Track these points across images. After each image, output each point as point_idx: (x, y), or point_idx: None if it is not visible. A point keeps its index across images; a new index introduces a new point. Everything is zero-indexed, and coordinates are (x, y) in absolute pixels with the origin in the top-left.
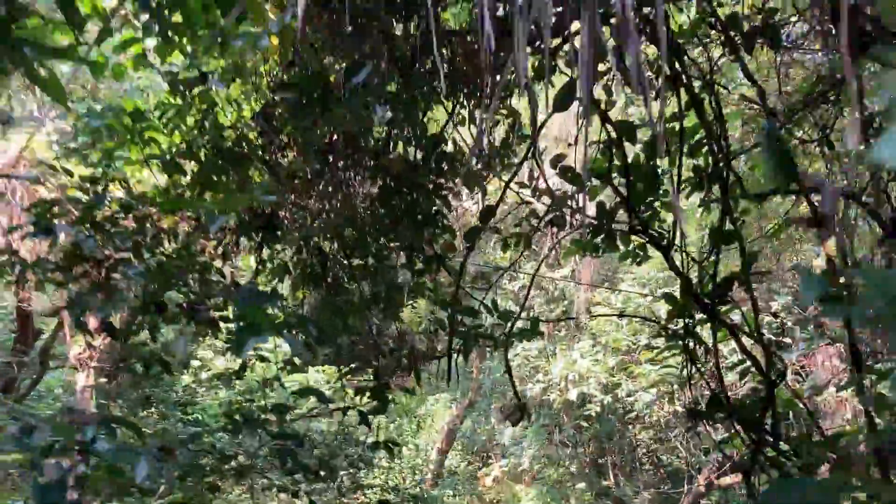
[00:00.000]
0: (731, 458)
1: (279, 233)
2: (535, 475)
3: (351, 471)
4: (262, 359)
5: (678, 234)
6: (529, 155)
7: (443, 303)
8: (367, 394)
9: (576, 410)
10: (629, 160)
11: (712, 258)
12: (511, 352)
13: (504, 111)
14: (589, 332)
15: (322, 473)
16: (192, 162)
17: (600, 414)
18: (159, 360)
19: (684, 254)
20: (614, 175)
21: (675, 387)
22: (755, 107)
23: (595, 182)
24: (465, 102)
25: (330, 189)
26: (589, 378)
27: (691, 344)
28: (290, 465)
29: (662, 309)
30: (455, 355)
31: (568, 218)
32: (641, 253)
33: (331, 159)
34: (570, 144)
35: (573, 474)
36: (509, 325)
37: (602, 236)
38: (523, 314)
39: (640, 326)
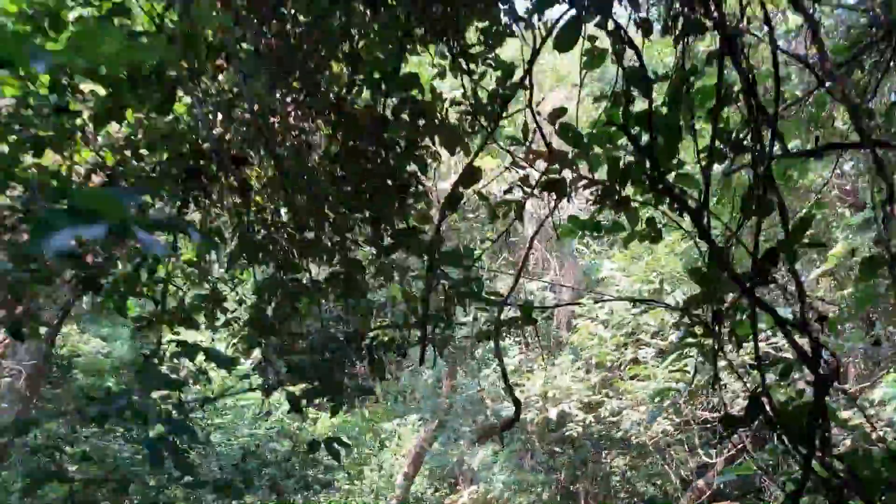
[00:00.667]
0: (709, 485)
1: (210, 186)
2: (506, 503)
3: (305, 494)
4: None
5: (709, 196)
6: (524, 106)
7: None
8: (315, 395)
9: (553, 432)
10: (649, 109)
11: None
12: (485, 369)
13: (492, 62)
14: (570, 347)
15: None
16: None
17: (581, 434)
18: None
19: (705, 225)
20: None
21: (683, 393)
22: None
23: (597, 150)
24: (447, 49)
25: (279, 139)
26: (570, 396)
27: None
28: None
29: (651, 320)
30: (434, 330)
31: (569, 182)
32: (652, 232)
33: (279, 96)
34: (574, 85)
35: (545, 502)
36: (498, 311)
37: (614, 201)
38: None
39: (627, 339)
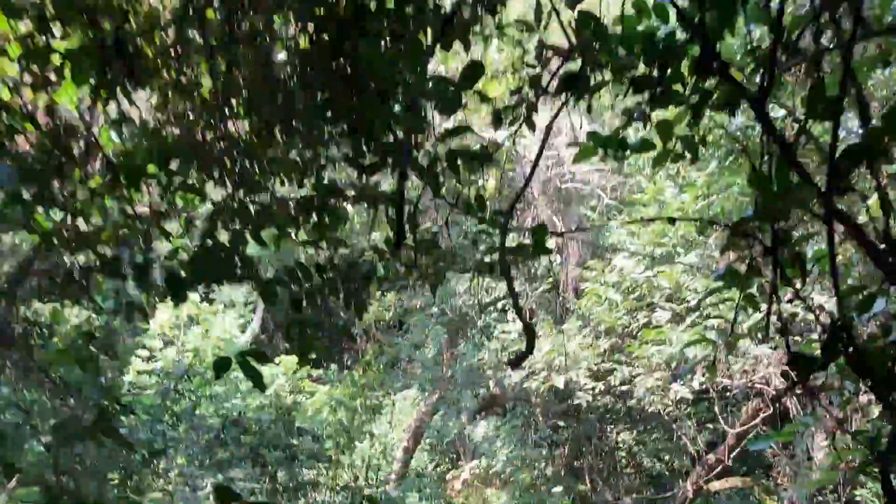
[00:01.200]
0: (721, 459)
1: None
2: (508, 478)
3: (291, 464)
4: None
5: (773, 79)
6: None
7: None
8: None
9: (559, 403)
10: None
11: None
12: (487, 341)
13: None
14: (577, 312)
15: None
16: None
17: (589, 404)
18: None
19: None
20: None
21: (720, 346)
22: None
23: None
24: None
25: (236, 26)
26: (578, 364)
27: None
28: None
29: (666, 282)
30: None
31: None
32: (687, 150)
33: None
34: None
35: (548, 477)
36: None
37: (653, 93)
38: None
39: (639, 304)
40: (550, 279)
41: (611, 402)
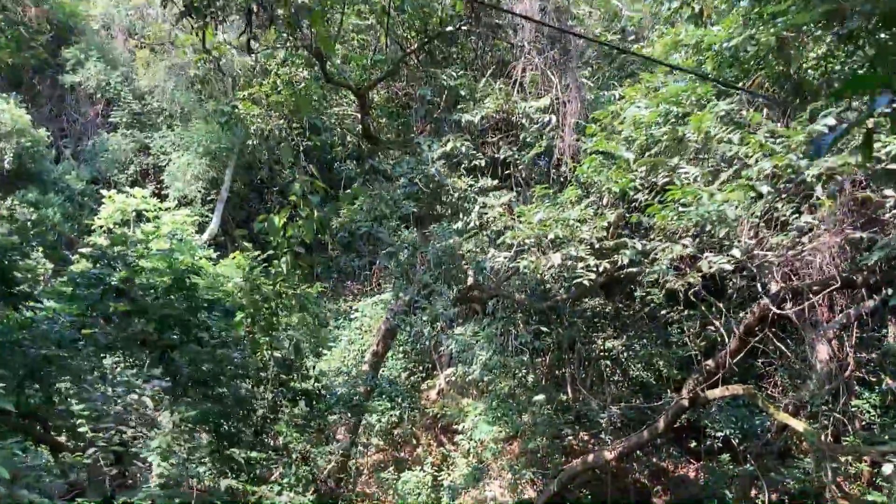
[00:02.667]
0: (721, 365)
1: None
2: (486, 387)
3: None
4: None
5: None
6: None
7: None
8: None
9: (544, 298)
10: None
11: None
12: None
13: None
14: (577, 179)
15: None
16: None
17: (593, 283)
18: None
19: None
20: None
21: (766, 199)
22: None
23: None
24: None
25: None
26: (578, 236)
27: None
28: None
29: (692, 133)
30: None
31: None
32: None
33: None
34: None
35: (528, 386)
36: None
37: None
38: None
39: (660, 159)
40: (542, 142)
41: (599, 304)
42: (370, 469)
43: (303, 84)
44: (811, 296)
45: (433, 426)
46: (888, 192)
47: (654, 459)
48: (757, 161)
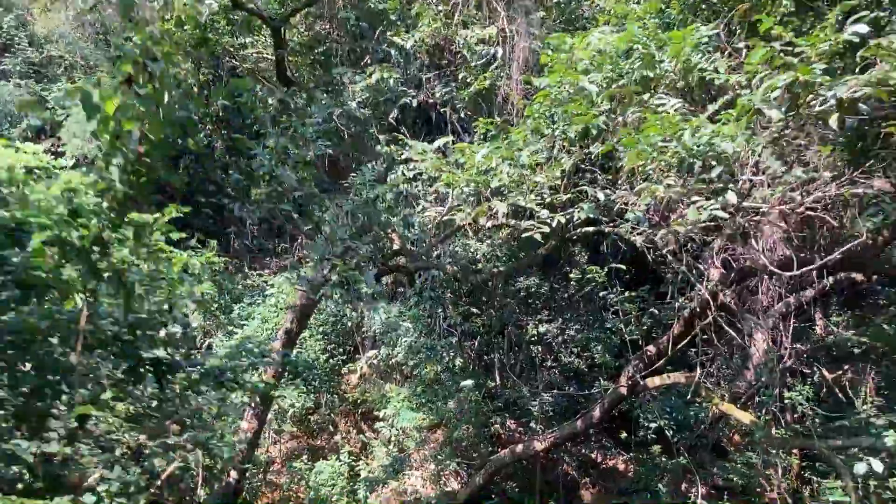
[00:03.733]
0: (662, 352)
1: None
2: (411, 371)
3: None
4: None
5: None
6: None
7: None
8: None
9: (476, 272)
10: None
11: None
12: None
13: None
14: (528, 119)
15: None
16: None
17: (548, 236)
18: None
19: None
20: None
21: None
22: None
23: None
24: None
25: None
26: (528, 185)
27: None
28: None
29: (669, 62)
30: None
31: None
32: None
33: None
34: None
35: (456, 372)
36: None
37: None
38: None
39: (631, 89)
40: (485, 80)
41: (534, 285)
42: (283, 458)
43: (208, 16)
44: (755, 282)
45: (353, 413)
46: None
47: (584, 450)
48: (763, 80)
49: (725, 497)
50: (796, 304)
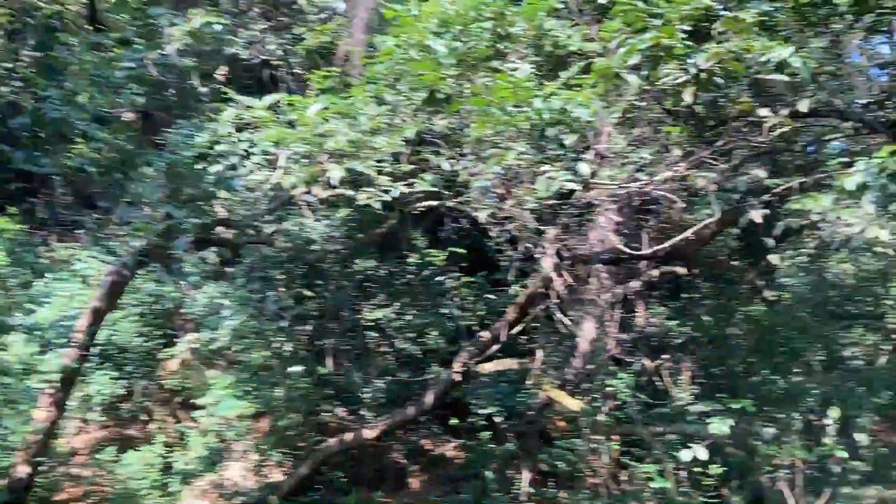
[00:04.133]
0: (497, 338)
1: None
2: (236, 357)
3: None
4: None
5: None
6: None
7: None
8: None
9: (309, 246)
10: None
11: None
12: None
13: None
14: (367, 81)
15: None
16: None
17: (389, 210)
18: None
19: None
20: None
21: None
22: None
23: None
24: None
25: None
26: (365, 150)
27: None
28: None
29: (523, 23)
30: None
31: None
32: None
33: None
34: None
35: (285, 358)
36: None
37: None
38: None
39: (482, 51)
40: (325, 35)
41: (371, 268)
42: (89, 450)
43: None
44: (587, 272)
45: (170, 401)
46: None
47: (414, 438)
48: (621, 45)
49: (550, 483)
50: (623, 295)
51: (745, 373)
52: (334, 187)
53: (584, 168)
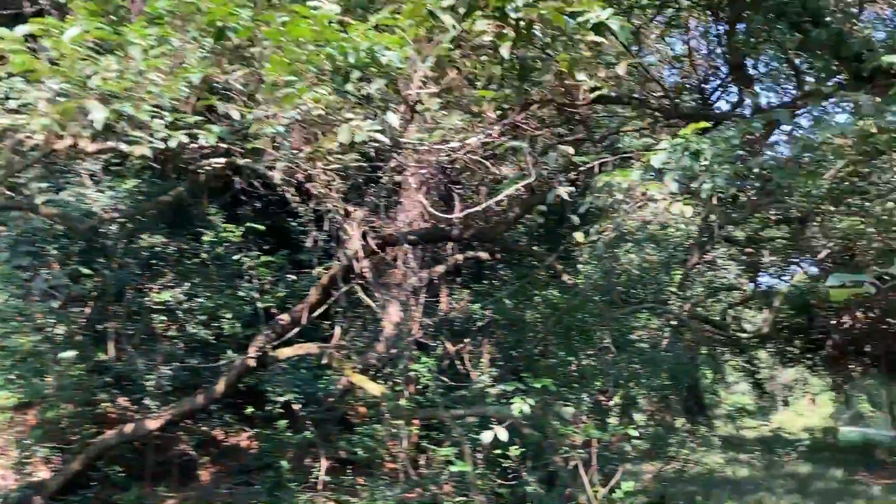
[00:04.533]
0: (297, 321)
1: None
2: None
3: None
4: None
5: None
6: None
7: None
8: None
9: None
10: None
11: None
12: None
13: None
14: (147, 19)
15: None
16: None
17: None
18: None
19: None
20: None
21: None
22: None
23: None
24: None
25: None
26: (143, 96)
27: None
28: None
29: None
30: None
31: None
32: None
33: None
34: None
35: (59, 342)
36: None
37: None
38: None
39: None
40: None
41: (160, 244)
42: None
43: None
44: (393, 255)
45: None
46: None
47: (205, 428)
48: None
49: (349, 470)
50: (429, 279)
51: (541, 355)
52: (100, 135)
53: (392, 118)
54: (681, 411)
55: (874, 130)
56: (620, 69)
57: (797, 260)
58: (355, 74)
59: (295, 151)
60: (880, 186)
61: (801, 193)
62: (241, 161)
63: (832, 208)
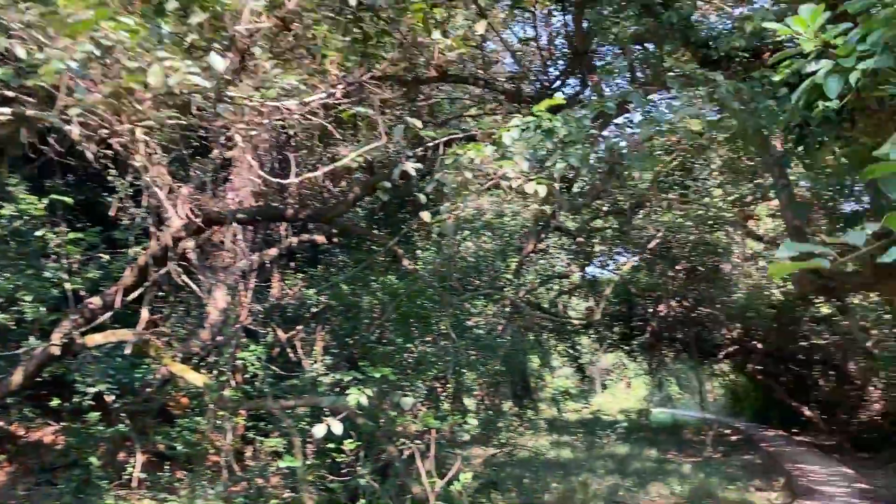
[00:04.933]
0: (109, 305)
1: None
2: None
3: None
4: None
5: None
6: None
7: None
8: None
9: None
10: None
11: None
12: None
13: None
14: None
15: None
16: None
17: None
18: None
19: None
20: None
21: None
22: None
23: None
24: None
25: None
26: None
27: None
28: None
29: None
30: None
31: None
32: None
33: None
34: None
35: None
36: None
37: None
38: None
39: None
40: None
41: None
42: None
43: None
44: (220, 236)
45: None
46: None
47: (0, 423)
48: None
49: (167, 466)
50: (259, 262)
51: (378, 342)
52: None
53: (217, 62)
54: (509, 395)
55: (696, 128)
56: (479, 27)
57: (622, 251)
58: (171, 5)
59: (92, 93)
60: (698, 183)
61: (630, 184)
62: (30, 111)
63: (657, 199)
